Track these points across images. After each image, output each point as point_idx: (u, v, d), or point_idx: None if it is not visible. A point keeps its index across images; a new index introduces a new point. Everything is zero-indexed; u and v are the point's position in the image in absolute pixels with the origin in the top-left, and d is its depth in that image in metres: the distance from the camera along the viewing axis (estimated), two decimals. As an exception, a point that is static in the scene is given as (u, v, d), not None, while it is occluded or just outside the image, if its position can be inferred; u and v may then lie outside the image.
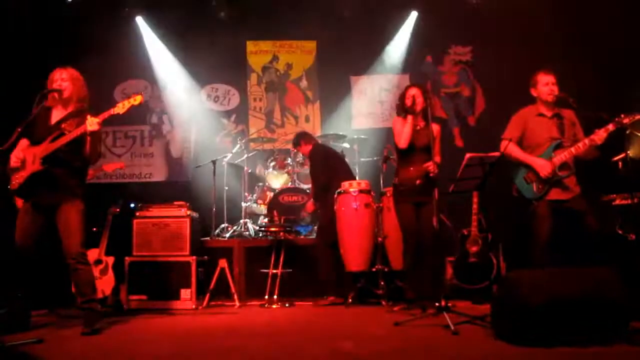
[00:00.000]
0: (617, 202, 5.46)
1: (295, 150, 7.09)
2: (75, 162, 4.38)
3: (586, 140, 4.44)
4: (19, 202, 5.33)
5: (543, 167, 4.55)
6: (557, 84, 4.68)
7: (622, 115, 4.26)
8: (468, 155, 4.10)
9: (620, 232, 5.27)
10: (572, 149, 4.49)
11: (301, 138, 6.67)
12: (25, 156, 4.32)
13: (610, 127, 4.31)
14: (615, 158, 4.93)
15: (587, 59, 7.19)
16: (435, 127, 4.90)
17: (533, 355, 3.07)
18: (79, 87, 4.47)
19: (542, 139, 4.67)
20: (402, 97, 5.07)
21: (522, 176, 4.69)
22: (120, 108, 4.30)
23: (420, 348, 3.47)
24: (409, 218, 4.88)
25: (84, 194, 4.44)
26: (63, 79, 4.42)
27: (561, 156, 4.54)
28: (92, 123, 4.15)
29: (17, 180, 4.31)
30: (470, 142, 8.11)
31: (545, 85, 4.69)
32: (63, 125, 4.31)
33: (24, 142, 4.40)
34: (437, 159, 4.81)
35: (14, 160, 4.33)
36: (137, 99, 4.35)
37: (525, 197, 4.65)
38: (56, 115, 4.43)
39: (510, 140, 4.69)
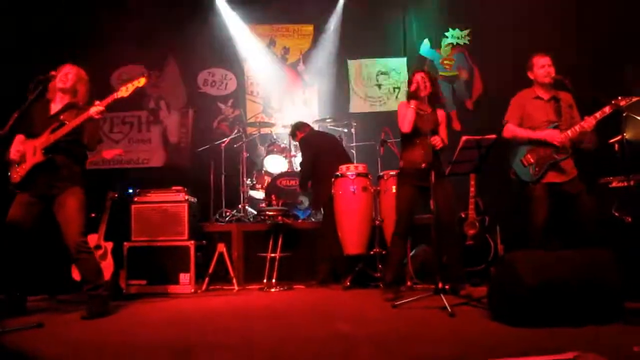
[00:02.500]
0: (614, 184, 5.47)
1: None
2: (75, 151, 4.41)
3: (576, 127, 4.47)
4: None
5: (553, 135, 4.56)
6: (554, 66, 4.68)
7: (620, 98, 4.24)
8: (464, 138, 4.11)
9: (616, 214, 5.29)
10: (569, 132, 4.50)
11: (297, 128, 6.82)
12: (25, 149, 4.34)
13: (607, 109, 4.31)
14: (612, 140, 4.93)
15: (586, 41, 7.18)
16: (441, 113, 4.92)
17: (528, 336, 3.09)
18: (81, 85, 4.50)
19: (539, 122, 4.68)
20: (408, 82, 5.05)
21: (520, 159, 4.69)
22: (124, 91, 4.31)
23: (416, 329, 3.50)
24: (407, 202, 4.87)
25: (84, 181, 4.46)
26: (69, 73, 4.45)
27: (566, 132, 4.55)
28: (96, 109, 4.18)
29: (18, 173, 4.32)
30: (468, 125, 8.09)
31: (542, 67, 4.69)
32: (62, 117, 4.33)
33: (20, 137, 4.42)
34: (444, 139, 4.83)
35: (13, 153, 4.36)
36: (141, 81, 4.36)
37: (522, 179, 4.66)
38: (54, 108, 4.45)
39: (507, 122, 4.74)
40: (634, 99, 4.23)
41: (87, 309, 4.24)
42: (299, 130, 6.72)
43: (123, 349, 3.20)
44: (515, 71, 7.13)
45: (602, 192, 5.49)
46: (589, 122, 4.40)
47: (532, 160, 4.62)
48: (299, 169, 7.21)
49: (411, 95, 4.84)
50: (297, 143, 7.06)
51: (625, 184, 5.09)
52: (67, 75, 4.44)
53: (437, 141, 4.63)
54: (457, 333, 3.32)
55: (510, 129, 4.77)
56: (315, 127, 7.85)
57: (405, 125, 4.79)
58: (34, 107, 4.28)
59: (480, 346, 2.93)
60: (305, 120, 6.97)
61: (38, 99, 4.26)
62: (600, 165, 5.61)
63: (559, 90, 4.74)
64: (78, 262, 4.35)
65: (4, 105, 4.21)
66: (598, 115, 4.37)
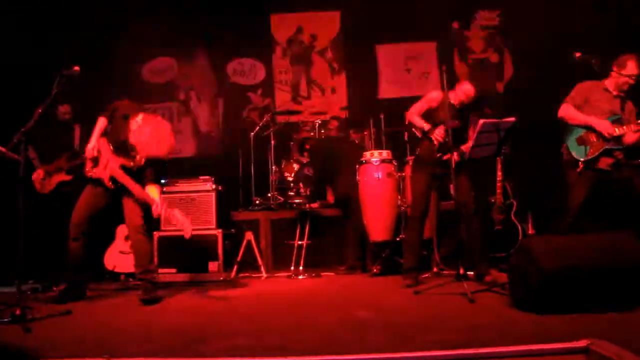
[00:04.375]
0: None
1: (320, 122, 7.14)
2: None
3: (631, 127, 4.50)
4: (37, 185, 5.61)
5: (606, 126, 4.52)
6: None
7: None
8: (481, 121, 4.05)
9: None
10: (632, 125, 4.50)
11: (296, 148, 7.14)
12: (102, 154, 4.63)
13: None
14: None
15: (624, 26, 6.92)
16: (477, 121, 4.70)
17: (546, 323, 3.06)
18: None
19: (602, 111, 4.63)
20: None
21: (575, 137, 4.65)
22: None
23: (434, 316, 3.50)
24: (422, 186, 4.84)
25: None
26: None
27: (620, 128, 4.52)
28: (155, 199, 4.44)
29: (96, 174, 4.63)
30: (498, 109, 7.92)
31: (631, 76, 4.61)
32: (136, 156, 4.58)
33: (104, 140, 4.69)
34: (466, 146, 4.72)
35: (89, 150, 4.62)
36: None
37: (574, 158, 4.60)
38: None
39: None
40: None
41: (142, 293, 4.50)
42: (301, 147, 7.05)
43: (139, 334, 3.30)
44: (546, 53, 7.02)
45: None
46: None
47: (589, 141, 4.59)
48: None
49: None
50: (324, 123, 7.24)
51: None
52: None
53: (455, 157, 4.57)
54: (473, 319, 3.30)
55: (564, 109, 4.74)
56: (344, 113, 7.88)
57: (408, 116, 4.91)
58: (119, 119, 4.66)
59: (494, 333, 2.91)
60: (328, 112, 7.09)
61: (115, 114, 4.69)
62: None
63: (627, 100, 4.74)
64: (135, 242, 4.67)
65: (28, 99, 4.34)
66: None
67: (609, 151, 4.54)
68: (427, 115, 4.87)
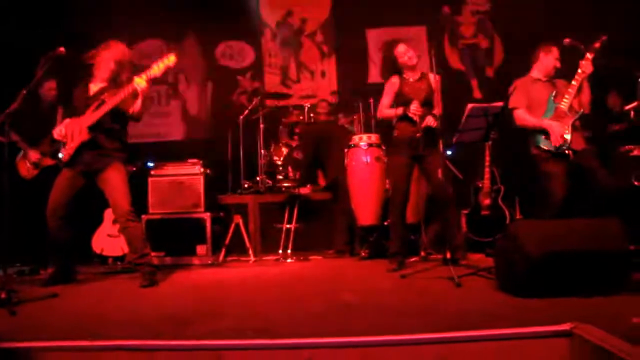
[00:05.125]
0: (635, 153, 5.33)
1: (309, 105, 7.12)
2: (117, 128, 4.65)
3: (577, 76, 4.49)
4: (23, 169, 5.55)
5: (553, 131, 4.51)
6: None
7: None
8: (470, 105, 4.04)
9: (636, 183, 5.16)
10: (569, 89, 4.50)
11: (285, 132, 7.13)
12: (69, 130, 4.53)
13: (589, 55, 4.40)
14: (628, 107, 4.79)
15: (611, 12, 6.91)
16: (436, 78, 4.79)
17: (529, 306, 3.07)
18: (120, 64, 4.64)
19: (542, 99, 4.66)
20: (393, 58, 4.98)
21: (542, 135, 4.62)
22: (157, 70, 4.43)
23: (420, 299, 3.51)
24: (401, 174, 4.84)
25: (125, 155, 4.72)
26: (109, 60, 4.61)
27: (563, 100, 4.54)
28: (139, 82, 4.32)
29: (67, 152, 4.53)
30: (488, 93, 7.95)
31: (557, 59, 4.73)
32: (102, 97, 4.51)
33: (67, 120, 4.63)
34: (437, 110, 4.73)
35: (57, 134, 4.58)
36: (170, 59, 4.49)
37: (548, 151, 4.59)
38: (93, 88, 4.64)
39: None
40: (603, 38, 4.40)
41: (142, 278, 4.45)
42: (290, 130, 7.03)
43: (125, 317, 3.28)
44: (536, 38, 6.98)
45: (622, 161, 5.36)
46: (586, 65, 4.46)
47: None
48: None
49: (396, 70, 4.88)
50: (314, 106, 7.30)
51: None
52: (108, 62, 4.60)
53: (430, 122, 4.60)
54: (459, 303, 3.31)
55: (521, 116, 4.73)
56: (333, 97, 7.85)
57: (379, 114, 5.00)
58: (74, 90, 4.67)
59: (480, 316, 2.92)
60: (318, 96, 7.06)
61: (79, 82, 4.68)
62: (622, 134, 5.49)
63: (555, 79, 4.77)
64: (126, 230, 4.56)
65: (12, 82, 4.28)
66: (589, 55, 4.46)
67: (574, 127, 4.54)
68: (397, 101, 4.91)
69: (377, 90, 7.53)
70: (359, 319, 2.95)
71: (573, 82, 4.50)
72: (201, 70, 8.69)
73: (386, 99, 4.99)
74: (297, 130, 6.82)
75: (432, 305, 3.30)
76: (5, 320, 3.21)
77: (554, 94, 4.60)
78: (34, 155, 5.63)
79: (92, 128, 4.47)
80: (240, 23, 8.50)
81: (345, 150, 5.83)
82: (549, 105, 4.57)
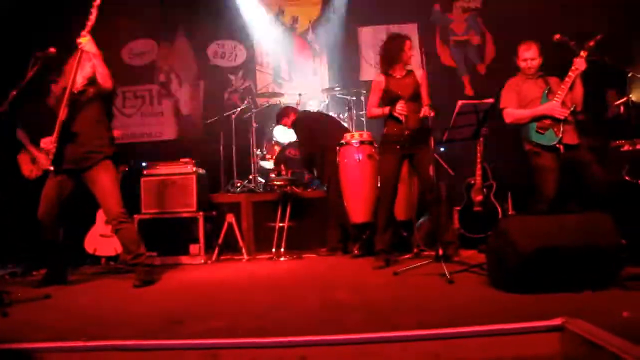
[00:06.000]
0: (625, 148, 5.37)
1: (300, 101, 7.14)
2: (97, 117, 4.48)
3: (570, 73, 4.48)
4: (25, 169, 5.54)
5: (552, 108, 4.53)
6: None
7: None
8: (460, 102, 4.06)
9: (627, 178, 5.20)
10: (562, 85, 4.50)
11: (281, 115, 6.78)
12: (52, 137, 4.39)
13: (582, 53, 4.39)
14: (617, 102, 4.82)
15: (602, 6, 6.95)
16: (420, 74, 4.87)
17: (524, 302, 3.09)
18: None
19: (533, 96, 4.68)
20: (397, 50, 4.95)
21: (535, 130, 4.65)
22: (91, 19, 4.33)
23: (412, 296, 3.53)
24: (390, 171, 4.87)
25: (113, 153, 4.55)
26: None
27: (555, 97, 4.54)
28: (81, 41, 4.21)
29: (51, 153, 4.37)
30: (480, 90, 7.97)
31: (524, 60, 4.73)
32: (65, 85, 4.37)
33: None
34: (426, 102, 4.76)
35: (44, 144, 4.46)
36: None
37: (544, 146, 4.61)
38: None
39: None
40: (598, 37, 4.40)
41: (136, 278, 4.42)
42: (284, 115, 6.74)
43: (118, 317, 3.28)
44: (527, 34, 7.02)
45: (614, 156, 5.40)
46: (579, 63, 4.44)
47: (548, 124, 4.59)
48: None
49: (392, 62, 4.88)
50: (306, 104, 7.26)
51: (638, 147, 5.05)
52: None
53: (426, 112, 4.61)
54: (451, 299, 3.34)
55: (508, 114, 4.75)
56: (325, 96, 7.85)
57: (368, 114, 5.06)
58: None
59: (472, 312, 2.94)
60: (307, 94, 7.03)
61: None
62: (613, 129, 5.52)
63: (546, 76, 4.77)
64: (119, 232, 4.49)
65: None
66: (582, 53, 4.45)
67: (566, 121, 4.55)
68: (385, 99, 4.91)
69: (369, 88, 7.61)
70: (352, 317, 2.96)
71: (566, 79, 4.51)
72: (193, 69, 8.67)
73: (373, 97, 5.01)
74: (292, 117, 6.71)
75: (424, 302, 3.32)
76: (-2, 321, 3.21)
77: (547, 90, 4.62)
78: (44, 161, 5.57)
79: (67, 121, 4.33)
80: (232, 22, 8.49)
81: (337, 148, 5.82)
82: (543, 101, 4.60)
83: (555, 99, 4.54)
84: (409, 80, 4.90)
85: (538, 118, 4.61)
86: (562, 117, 4.46)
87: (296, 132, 6.58)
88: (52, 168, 4.39)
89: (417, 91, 4.81)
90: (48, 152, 4.37)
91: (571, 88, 4.52)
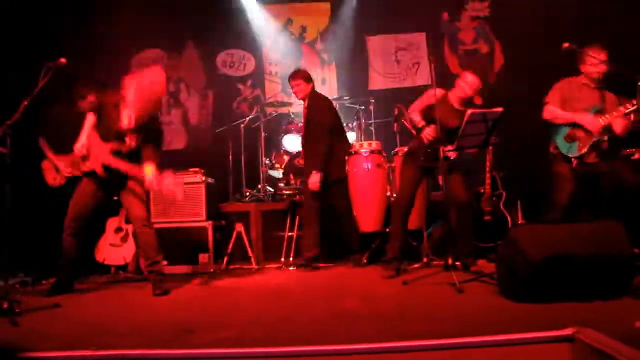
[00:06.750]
0: (637, 156, 5.35)
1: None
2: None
3: (629, 105, 4.45)
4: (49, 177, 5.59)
5: (590, 120, 4.56)
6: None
7: None
8: (469, 111, 4.05)
9: None
10: (615, 112, 4.50)
11: (301, 74, 5.95)
12: (92, 146, 4.56)
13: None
14: (627, 110, 4.78)
15: (610, 11, 6.93)
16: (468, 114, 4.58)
17: (531, 312, 3.08)
18: (145, 94, 4.39)
19: (583, 106, 4.68)
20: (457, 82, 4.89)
21: (563, 135, 4.69)
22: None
23: (421, 306, 3.53)
24: (409, 182, 4.85)
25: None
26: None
27: (604, 118, 4.55)
28: (147, 173, 4.32)
29: (85, 167, 4.61)
30: (489, 99, 7.93)
31: (594, 65, 4.66)
32: (128, 138, 4.50)
33: (93, 133, 4.61)
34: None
35: (79, 148, 4.56)
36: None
37: (564, 155, 4.65)
38: (124, 119, 4.51)
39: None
40: None
41: (153, 287, 4.48)
42: (303, 76, 5.93)
43: (128, 326, 3.29)
44: (536, 42, 7.03)
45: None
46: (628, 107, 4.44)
47: (577, 137, 4.63)
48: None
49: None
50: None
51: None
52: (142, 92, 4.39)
53: (450, 154, 4.60)
54: (460, 309, 3.33)
55: (548, 110, 4.77)
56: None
57: (410, 114, 4.94)
58: (106, 108, 4.59)
59: (481, 322, 2.93)
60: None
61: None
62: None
63: (605, 90, 4.74)
64: (140, 235, 4.68)
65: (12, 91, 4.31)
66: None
67: (596, 145, 4.58)
68: (427, 113, 4.81)
69: (378, 97, 7.64)
70: (361, 326, 2.96)
71: (621, 108, 4.49)
72: (202, 79, 8.70)
73: (417, 103, 4.93)
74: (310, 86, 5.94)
75: (434, 312, 3.31)
76: (8, 330, 3.22)
77: (598, 109, 4.62)
78: (65, 169, 5.65)
79: (107, 168, 4.50)
80: (240, 31, 8.53)
81: (346, 157, 5.81)
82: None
83: (601, 120, 4.55)
84: (457, 115, 4.65)
85: (573, 125, 4.64)
86: (596, 139, 4.50)
87: (318, 108, 5.82)
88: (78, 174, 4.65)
89: (458, 127, 4.63)
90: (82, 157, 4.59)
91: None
